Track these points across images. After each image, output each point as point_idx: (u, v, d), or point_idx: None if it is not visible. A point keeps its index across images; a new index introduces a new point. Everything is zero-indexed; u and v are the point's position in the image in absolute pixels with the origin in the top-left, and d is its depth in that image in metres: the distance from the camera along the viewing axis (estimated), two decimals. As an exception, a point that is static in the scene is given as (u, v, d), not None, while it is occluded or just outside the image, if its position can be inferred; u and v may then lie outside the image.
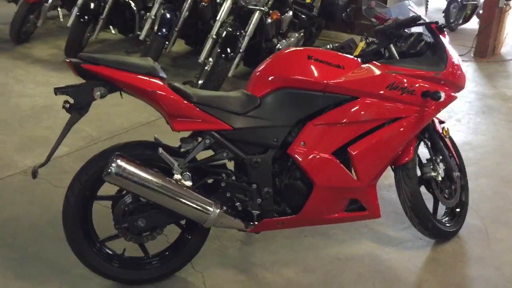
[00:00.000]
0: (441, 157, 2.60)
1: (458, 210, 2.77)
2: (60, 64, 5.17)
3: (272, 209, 2.32)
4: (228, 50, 4.15)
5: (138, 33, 5.11)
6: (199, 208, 2.16)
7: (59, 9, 6.10)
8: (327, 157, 2.28)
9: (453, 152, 2.72)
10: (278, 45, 4.75)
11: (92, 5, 5.04)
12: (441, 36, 2.48)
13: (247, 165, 2.26)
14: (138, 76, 2.10)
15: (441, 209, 2.77)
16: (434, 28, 2.47)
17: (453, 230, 2.70)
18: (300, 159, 2.27)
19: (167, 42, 4.93)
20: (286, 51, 2.42)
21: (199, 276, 2.42)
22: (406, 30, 2.61)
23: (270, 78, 2.30)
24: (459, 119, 4.43)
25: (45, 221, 2.77)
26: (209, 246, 2.59)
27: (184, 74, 5.11)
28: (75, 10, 5.04)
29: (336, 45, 2.61)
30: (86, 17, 5.02)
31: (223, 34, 4.22)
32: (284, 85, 2.28)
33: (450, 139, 2.79)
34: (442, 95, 2.30)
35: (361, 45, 2.52)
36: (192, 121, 2.17)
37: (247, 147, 2.26)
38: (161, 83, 2.14)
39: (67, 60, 2.11)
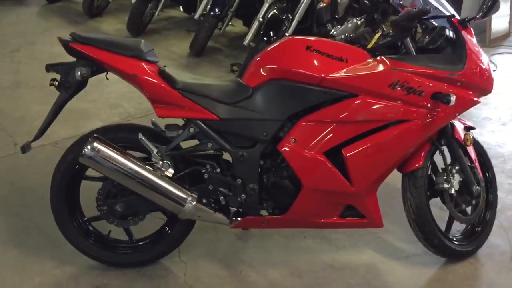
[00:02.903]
0: (457, 167, 2.31)
1: (478, 229, 2.46)
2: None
3: (256, 206, 2.20)
4: (271, 34, 3.99)
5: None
6: (173, 198, 2.10)
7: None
8: (317, 157, 2.11)
9: (477, 163, 2.40)
10: (332, 30, 4.50)
11: (152, -17, 5.09)
12: (463, 32, 2.17)
13: (233, 159, 2.15)
14: (121, 58, 2.06)
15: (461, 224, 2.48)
16: (456, 23, 2.17)
17: (466, 250, 2.39)
18: (289, 157, 2.12)
19: (221, 23, 4.87)
20: (287, 39, 2.24)
21: (182, 266, 2.37)
22: (433, 22, 2.34)
23: (264, 68, 2.16)
24: (505, 122, 3.92)
25: (57, 193, 2.84)
26: (203, 236, 2.54)
27: (236, 56, 5.02)
28: (136, -13, 5.13)
29: (352, 35, 2.39)
30: (146, -6, 5.08)
31: (268, 17, 4.06)
32: (278, 77, 2.12)
33: (480, 148, 2.47)
34: (452, 99, 2.02)
35: (376, 37, 2.27)
36: (176, 108, 2.10)
37: (234, 139, 2.16)
38: (145, 67, 2.08)
39: (58, 38, 2.12)
